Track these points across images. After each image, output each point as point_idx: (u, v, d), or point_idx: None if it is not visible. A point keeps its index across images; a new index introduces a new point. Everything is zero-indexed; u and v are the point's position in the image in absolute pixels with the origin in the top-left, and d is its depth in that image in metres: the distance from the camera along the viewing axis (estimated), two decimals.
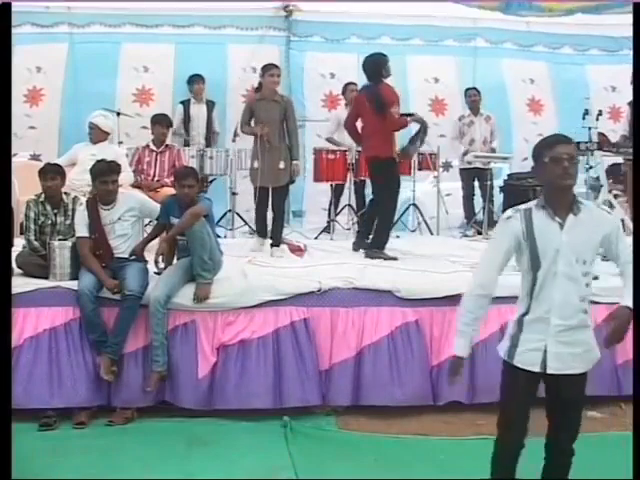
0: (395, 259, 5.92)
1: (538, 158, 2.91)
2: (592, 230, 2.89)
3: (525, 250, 2.92)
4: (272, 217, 6.43)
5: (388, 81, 6.16)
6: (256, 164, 6.27)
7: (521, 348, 2.93)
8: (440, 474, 3.75)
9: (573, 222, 2.87)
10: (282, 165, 6.29)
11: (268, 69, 6.33)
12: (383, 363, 4.68)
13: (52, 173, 5.06)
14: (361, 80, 6.50)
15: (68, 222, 5.05)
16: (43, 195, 5.08)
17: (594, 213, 2.93)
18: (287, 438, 4.22)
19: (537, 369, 2.90)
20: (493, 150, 8.41)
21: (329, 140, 8.07)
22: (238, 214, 7.32)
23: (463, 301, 3.03)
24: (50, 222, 5.07)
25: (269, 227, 6.43)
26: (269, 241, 6.45)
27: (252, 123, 6.37)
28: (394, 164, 6.18)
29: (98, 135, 6.50)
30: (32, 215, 5.05)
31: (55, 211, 5.08)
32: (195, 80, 8.35)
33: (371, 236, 6.28)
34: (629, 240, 3.01)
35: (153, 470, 3.81)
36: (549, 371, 2.89)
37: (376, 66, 6.12)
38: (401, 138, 6.45)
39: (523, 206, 2.98)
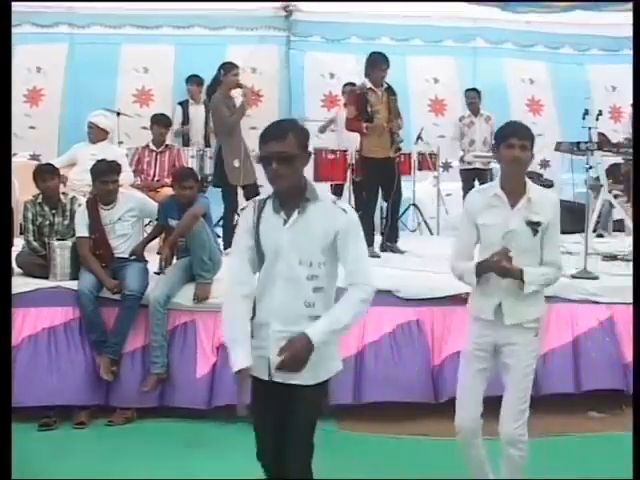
0: (378, 257, 6.07)
1: None
2: (320, 229, 2.56)
3: (254, 246, 2.63)
4: None
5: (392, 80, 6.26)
6: (237, 163, 6.23)
7: (253, 355, 2.61)
8: (440, 474, 3.74)
9: (297, 220, 2.58)
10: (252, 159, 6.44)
11: (230, 69, 6.36)
12: (384, 361, 4.68)
13: (48, 173, 5.05)
14: (361, 80, 6.51)
15: (66, 222, 5.04)
16: (40, 196, 5.07)
17: (326, 211, 2.59)
18: None
19: (265, 377, 2.63)
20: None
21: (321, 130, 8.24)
22: (238, 214, 7.31)
23: (226, 306, 2.68)
24: (48, 222, 5.06)
25: None
26: None
27: (211, 124, 6.35)
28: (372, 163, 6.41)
29: (97, 134, 6.50)
30: (30, 216, 5.04)
31: (53, 211, 5.07)
32: (190, 81, 8.34)
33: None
34: (360, 250, 2.59)
35: (153, 470, 3.81)
36: (274, 379, 2.61)
37: (366, 63, 6.31)
38: None
39: (262, 196, 2.69)
